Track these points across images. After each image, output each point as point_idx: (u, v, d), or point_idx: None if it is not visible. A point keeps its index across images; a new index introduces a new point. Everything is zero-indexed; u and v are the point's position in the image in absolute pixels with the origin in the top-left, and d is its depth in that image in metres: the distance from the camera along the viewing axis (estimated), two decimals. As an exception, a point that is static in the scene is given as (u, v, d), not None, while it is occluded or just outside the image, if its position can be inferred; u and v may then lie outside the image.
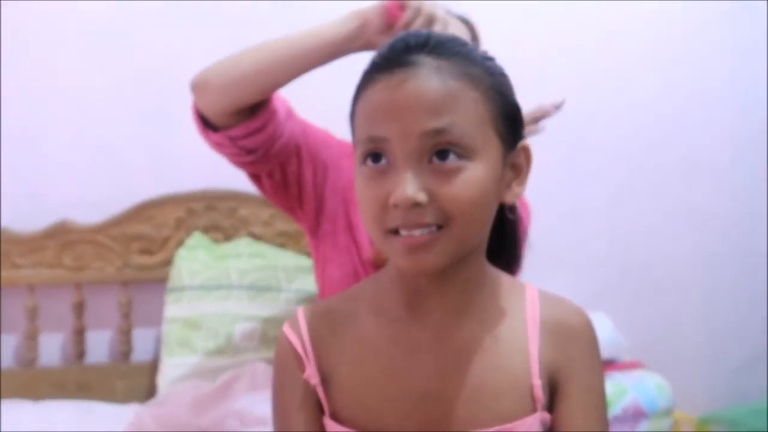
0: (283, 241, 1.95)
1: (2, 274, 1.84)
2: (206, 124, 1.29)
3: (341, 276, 1.31)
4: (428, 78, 0.70)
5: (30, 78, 1.89)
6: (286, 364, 0.79)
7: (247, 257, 1.87)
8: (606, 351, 1.77)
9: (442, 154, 0.69)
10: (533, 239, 1.24)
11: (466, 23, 1.35)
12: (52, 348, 1.93)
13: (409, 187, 0.68)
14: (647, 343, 2.14)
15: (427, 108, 0.69)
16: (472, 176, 0.70)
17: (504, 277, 0.81)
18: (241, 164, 1.34)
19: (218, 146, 1.32)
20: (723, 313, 2.27)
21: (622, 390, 1.85)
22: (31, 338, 1.87)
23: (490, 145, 0.72)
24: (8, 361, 1.92)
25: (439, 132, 0.69)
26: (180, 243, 1.90)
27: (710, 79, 2.23)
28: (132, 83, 1.93)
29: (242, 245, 1.91)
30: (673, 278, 2.25)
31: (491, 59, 0.77)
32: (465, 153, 0.70)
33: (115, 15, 1.91)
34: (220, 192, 1.95)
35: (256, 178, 1.38)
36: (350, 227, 1.34)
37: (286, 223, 1.95)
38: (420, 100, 0.69)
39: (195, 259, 1.86)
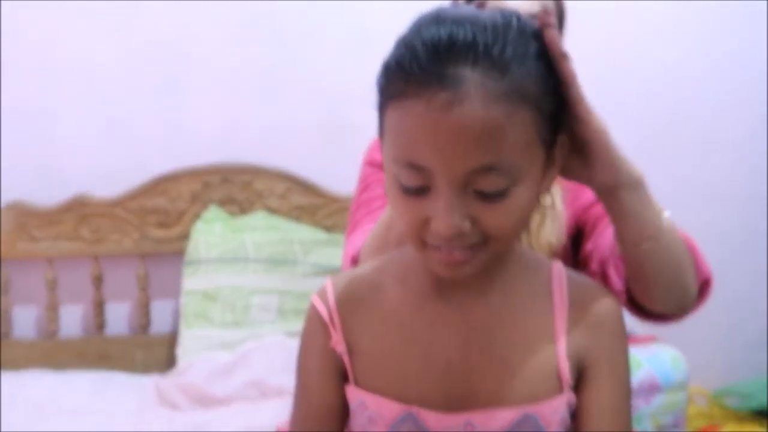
0: (298, 214, 1.95)
1: (21, 246, 1.86)
2: None
3: None
4: (476, 104, 0.62)
5: (44, 52, 1.89)
6: (313, 332, 0.80)
7: (263, 230, 1.88)
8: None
9: (487, 192, 0.66)
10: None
11: (558, 2, 1.24)
12: (72, 320, 1.97)
13: (454, 217, 0.65)
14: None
15: (475, 142, 0.63)
16: (517, 200, 0.67)
17: (530, 253, 0.80)
18: None
19: None
20: (737, 286, 2.26)
21: (637, 363, 1.85)
22: (52, 310, 1.90)
23: (535, 160, 0.68)
24: (30, 332, 1.96)
25: (486, 168, 0.64)
26: (196, 216, 1.91)
27: (729, 51, 2.18)
28: (146, 56, 1.93)
29: (258, 218, 1.92)
30: (690, 252, 2.23)
31: (544, 53, 0.68)
32: (511, 180, 0.66)
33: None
34: (235, 165, 1.95)
35: None
36: None
37: (301, 197, 1.96)
38: (467, 133, 0.63)
39: (211, 232, 1.87)
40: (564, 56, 0.70)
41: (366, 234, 1.03)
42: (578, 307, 0.75)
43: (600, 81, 2.10)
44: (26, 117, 1.90)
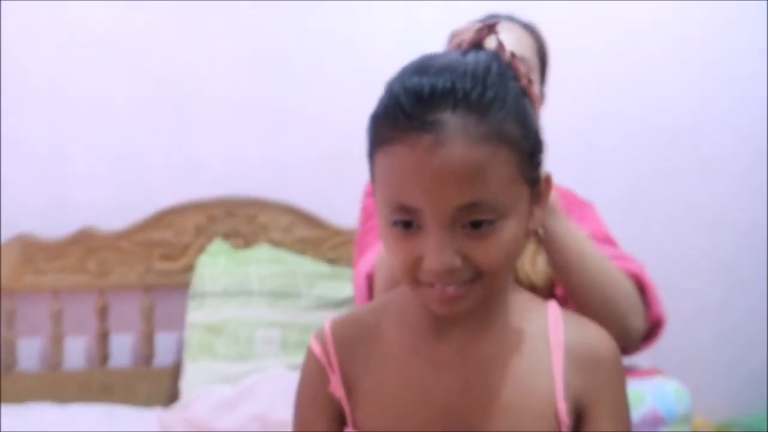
0: (302, 247, 1.97)
1: (27, 279, 1.88)
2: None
3: None
4: (458, 146, 0.66)
5: (53, 87, 1.92)
6: (311, 376, 0.81)
7: (268, 263, 1.90)
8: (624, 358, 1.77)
9: (476, 221, 0.68)
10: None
11: (534, 35, 1.31)
12: (76, 351, 1.97)
13: (444, 254, 0.67)
14: (664, 347, 2.13)
15: (460, 181, 0.66)
16: (505, 234, 0.69)
17: (525, 294, 0.81)
18: None
19: None
20: (741, 317, 2.25)
21: (640, 396, 1.84)
22: (56, 342, 1.90)
23: (520, 196, 0.71)
24: (34, 364, 1.96)
25: (472, 205, 0.67)
26: (201, 249, 1.93)
27: (728, 81, 2.21)
28: (154, 92, 1.96)
29: (262, 251, 1.93)
30: (689, 282, 2.23)
31: (521, 95, 0.72)
32: (498, 215, 0.68)
33: (134, 23, 1.94)
34: (239, 198, 1.98)
35: None
36: None
37: (305, 230, 1.97)
38: (452, 173, 0.66)
39: (216, 265, 1.88)
40: None
41: (377, 253, 1.05)
42: (575, 348, 0.76)
43: (600, 113, 2.15)
44: (35, 150, 1.93)
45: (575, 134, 2.10)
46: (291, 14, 1.99)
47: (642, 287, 1.08)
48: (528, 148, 0.71)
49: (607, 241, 1.20)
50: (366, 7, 2.02)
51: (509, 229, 0.69)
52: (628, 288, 1.03)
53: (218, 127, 2.00)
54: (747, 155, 2.24)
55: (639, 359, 2.00)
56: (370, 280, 1.09)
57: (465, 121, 0.66)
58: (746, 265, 2.26)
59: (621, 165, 2.19)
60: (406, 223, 0.69)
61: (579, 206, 1.29)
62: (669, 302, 2.22)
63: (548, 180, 0.76)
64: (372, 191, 1.28)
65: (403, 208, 0.69)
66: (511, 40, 1.22)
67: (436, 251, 0.67)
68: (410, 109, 0.67)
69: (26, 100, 1.91)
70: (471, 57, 0.71)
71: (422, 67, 0.70)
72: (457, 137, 0.66)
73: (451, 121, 0.66)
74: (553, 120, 1.92)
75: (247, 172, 2.00)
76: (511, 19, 1.32)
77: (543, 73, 1.25)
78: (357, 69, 1.99)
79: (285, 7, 1.99)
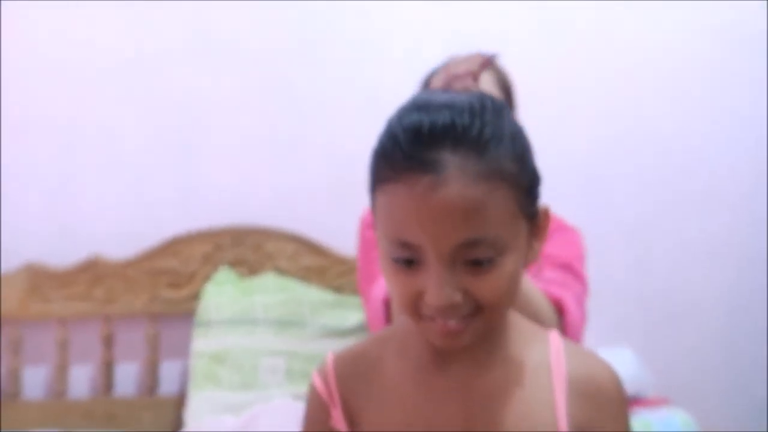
0: (308, 275, 1.97)
1: (34, 307, 1.89)
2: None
3: None
4: (457, 185, 0.66)
5: (61, 116, 1.95)
6: (314, 410, 0.81)
7: (273, 292, 1.90)
8: (631, 387, 1.76)
9: (476, 258, 0.69)
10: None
11: (493, 69, 1.34)
12: (81, 380, 1.97)
13: (445, 289, 0.68)
14: (670, 376, 2.12)
15: (460, 219, 0.67)
16: (504, 269, 0.70)
17: (526, 324, 0.81)
18: None
19: None
20: (743, 346, 2.24)
21: (647, 426, 1.83)
22: (61, 370, 1.91)
23: (519, 231, 0.71)
24: (39, 392, 1.95)
25: (472, 242, 0.68)
26: (207, 277, 1.94)
27: (728, 113, 2.23)
28: (160, 121, 1.99)
29: (268, 280, 1.94)
30: (695, 311, 2.23)
31: (518, 131, 0.73)
32: (497, 252, 0.69)
33: (143, 53, 1.97)
34: (246, 227, 1.99)
35: None
36: None
37: (310, 258, 1.98)
38: (451, 211, 0.66)
39: (222, 293, 1.89)
40: None
41: None
42: (577, 379, 0.76)
43: (603, 144, 2.16)
44: (43, 179, 1.95)
45: (578, 165, 2.12)
46: (296, 46, 2.02)
47: (561, 311, 1.13)
48: (526, 184, 0.72)
49: (565, 266, 1.26)
50: (371, 39, 2.05)
51: (509, 265, 0.70)
52: (545, 309, 1.07)
53: (225, 156, 2.02)
54: (747, 185, 2.25)
55: (645, 388, 1.99)
56: (386, 305, 1.10)
57: (464, 160, 0.67)
58: (748, 293, 2.25)
59: (623, 195, 2.20)
60: (408, 261, 0.70)
61: (563, 230, 1.33)
62: (673, 331, 2.23)
63: (546, 213, 0.77)
64: (371, 223, 1.30)
65: (404, 244, 0.69)
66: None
67: (437, 287, 0.68)
68: (408, 149, 0.68)
69: (35, 129, 1.94)
70: (465, 96, 0.72)
71: (420, 104, 0.71)
72: (456, 176, 0.66)
73: (450, 159, 0.67)
74: (557, 151, 1.96)
75: (253, 202, 2.02)
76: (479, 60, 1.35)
77: (509, 103, 1.29)
78: (361, 100, 2.02)
79: (290, 39, 2.02)
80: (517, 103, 1.37)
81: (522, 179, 0.71)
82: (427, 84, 1.37)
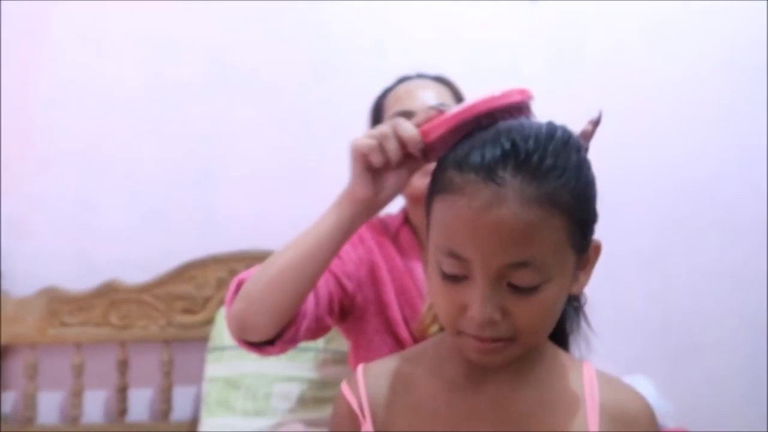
0: (321, 301, 1.97)
1: (51, 332, 1.90)
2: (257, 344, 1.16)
3: (374, 359, 1.23)
4: (513, 206, 0.68)
5: (80, 144, 1.99)
6: (341, 422, 0.80)
7: (286, 317, 1.90)
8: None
9: (520, 283, 0.70)
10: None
11: (446, 84, 1.35)
12: (95, 405, 1.97)
13: (487, 306, 0.70)
14: (691, 407, 2.08)
15: (511, 239, 0.68)
16: (547, 296, 0.71)
17: (561, 353, 0.82)
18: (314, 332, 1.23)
19: (283, 349, 1.18)
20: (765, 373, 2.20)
21: (668, 458, 1.79)
22: (76, 395, 1.91)
23: (567, 261, 0.72)
24: (54, 417, 1.96)
25: (519, 264, 0.69)
26: (221, 302, 1.94)
27: (748, 137, 2.22)
28: (177, 149, 2.02)
29: (281, 305, 1.93)
30: (715, 338, 2.19)
31: (583, 167, 0.74)
32: (543, 278, 0.70)
33: (161, 83, 2.01)
34: (260, 253, 1.99)
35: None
36: (382, 309, 1.31)
37: (324, 284, 1.98)
38: (504, 230, 0.68)
39: (235, 318, 1.89)
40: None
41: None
42: (610, 408, 0.76)
43: (622, 169, 2.15)
44: (62, 206, 1.98)
45: (598, 190, 2.11)
46: (312, 78, 2.05)
47: None
48: (581, 218, 0.73)
49: None
50: (385, 70, 2.06)
51: (552, 293, 0.71)
52: None
53: (240, 184, 2.04)
54: (765, 214, 2.22)
55: (665, 419, 1.95)
56: (239, 285, 1.09)
57: (523, 184, 0.69)
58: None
59: (640, 224, 2.19)
60: (457, 277, 0.71)
61: None
62: (694, 358, 2.19)
63: (597, 248, 0.78)
64: (363, 239, 1.31)
65: (453, 256, 0.71)
66: (431, 95, 1.28)
67: (480, 303, 0.70)
68: (478, 162, 0.70)
69: (55, 157, 1.98)
70: (536, 123, 0.75)
71: (491, 128, 0.74)
72: (514, 198, 0.68)
73: (510, 180, 0.69)
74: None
75: (267, 227, 2.03)
76: (421, 76, 1.38)
77: None
78: (376, 128, 2.03)
79: (306, 72, 2.06)
80: None
81: (577, 213, 0.72)
82: (379, 103, 1.39)
